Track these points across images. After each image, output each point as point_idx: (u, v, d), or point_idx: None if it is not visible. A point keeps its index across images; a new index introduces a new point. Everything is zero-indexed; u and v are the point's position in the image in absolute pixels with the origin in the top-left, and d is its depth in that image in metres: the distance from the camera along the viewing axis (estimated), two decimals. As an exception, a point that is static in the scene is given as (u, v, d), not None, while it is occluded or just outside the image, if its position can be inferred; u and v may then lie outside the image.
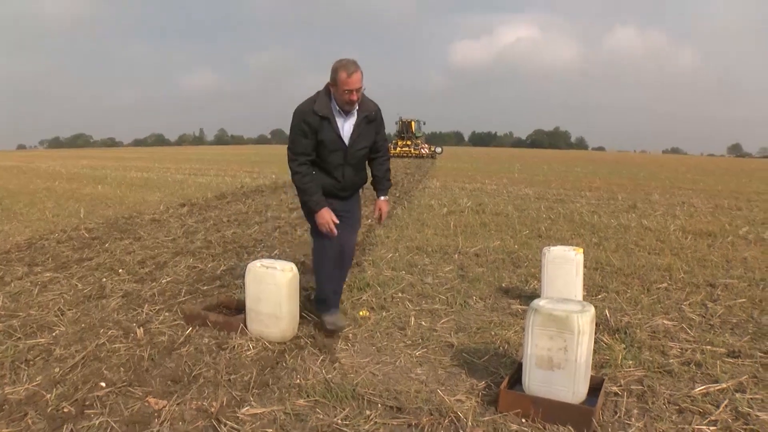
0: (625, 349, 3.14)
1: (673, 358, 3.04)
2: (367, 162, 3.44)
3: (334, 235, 3.21)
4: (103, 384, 2.67)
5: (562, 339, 2.36)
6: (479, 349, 3.19)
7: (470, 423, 2.36)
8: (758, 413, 2.44)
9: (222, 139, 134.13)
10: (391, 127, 31.92)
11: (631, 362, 2.98)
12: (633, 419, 2.42)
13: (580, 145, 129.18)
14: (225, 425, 2.34)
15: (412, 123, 32.14)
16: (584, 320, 2.34)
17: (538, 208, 9.31)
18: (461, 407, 2.49)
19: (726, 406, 2.51)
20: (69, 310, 3.79)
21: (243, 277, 3.42)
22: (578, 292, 3.72)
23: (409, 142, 30.69)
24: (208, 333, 3.36)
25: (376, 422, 2.38)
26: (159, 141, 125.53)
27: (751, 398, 2.59)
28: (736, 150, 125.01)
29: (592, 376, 2.51)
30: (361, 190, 3.54)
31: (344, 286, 3.82)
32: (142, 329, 3.38)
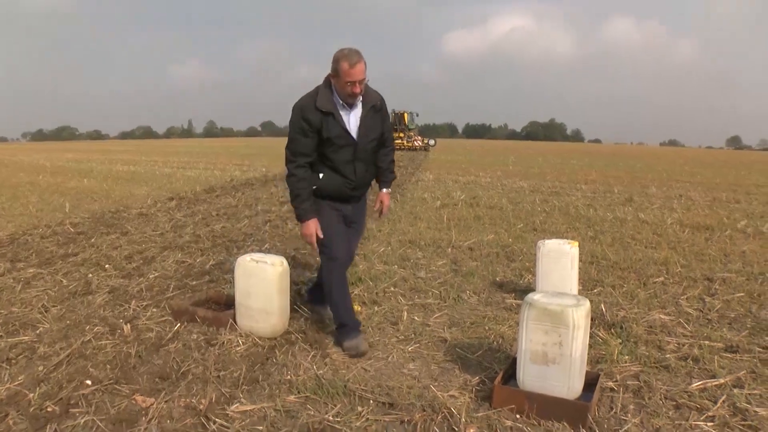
0: (621, 344, 3.11)
1: (670, 353, 3.01)
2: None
3: (315, 249, 3.08)
4: (88, 382, 2.61)
5: (557, 334, 2.32)
6: (473, 344, 3.15)
7: (464, 419, 2.32)
8: (756, 409, 2.42)
9: (211, 132, 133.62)
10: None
11: (627, 357, 2.94)
12: (629, 415, 2.39)
13: (576, 137, 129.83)
14: (214, 422, 2.30)
15: (405, 115, 32.08)
16: (579, 314, 2.31)
17: (533, 201, 9.29)
18: (454, 403, 2.45)
19: (724, 401, 2.48)
20: (53, 306, 3.71)
21: (232, 271, 3.36)
22: (573, 286, 3.70)
23: (401, 135, 30.59)
24: (197, 329, 3.30)
25: (368, 418, 2.34)
26: (146, 133, 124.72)
27: (749, 394, 2.56)
28: (735, 142, 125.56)
29: (587, 372, 2.47)
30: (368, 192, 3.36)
31: None
32: (129, 326, 3.31)
